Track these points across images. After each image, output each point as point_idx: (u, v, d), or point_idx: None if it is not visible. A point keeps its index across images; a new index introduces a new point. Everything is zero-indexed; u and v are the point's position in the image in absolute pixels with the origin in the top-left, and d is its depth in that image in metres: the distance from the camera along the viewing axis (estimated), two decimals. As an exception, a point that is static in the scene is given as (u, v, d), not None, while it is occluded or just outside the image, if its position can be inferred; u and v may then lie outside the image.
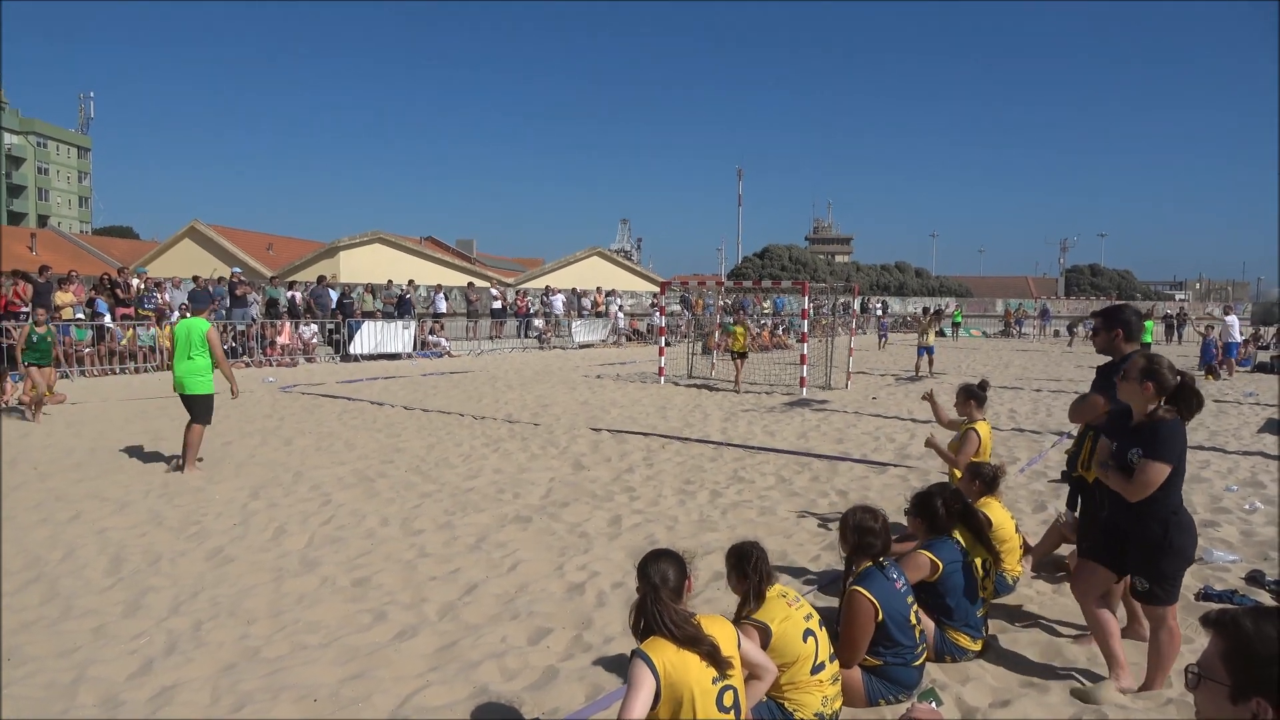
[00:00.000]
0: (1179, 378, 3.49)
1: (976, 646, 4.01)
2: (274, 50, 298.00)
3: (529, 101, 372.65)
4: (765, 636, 3.16)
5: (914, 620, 3.64)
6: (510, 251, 76.66)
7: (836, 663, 3.37)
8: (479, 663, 3.90)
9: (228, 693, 3.60)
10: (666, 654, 2.65)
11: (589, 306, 30.96)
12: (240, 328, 19.10)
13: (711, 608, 4.36)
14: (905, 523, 4.74)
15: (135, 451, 8.79)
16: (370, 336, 21.55)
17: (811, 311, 16.57)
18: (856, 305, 39.27)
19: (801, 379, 14.98)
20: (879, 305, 45.53)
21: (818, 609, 3.44)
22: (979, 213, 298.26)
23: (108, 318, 17.35)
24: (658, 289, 26.10)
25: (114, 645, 4.06)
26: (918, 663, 3.61)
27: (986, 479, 5.08)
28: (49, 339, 11.78)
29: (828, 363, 16.52)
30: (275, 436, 9.81)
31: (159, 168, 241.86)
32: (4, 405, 11.55)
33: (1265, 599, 4.79)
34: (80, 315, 16.98)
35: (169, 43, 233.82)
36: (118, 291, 18.43)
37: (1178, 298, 78.20)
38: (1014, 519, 5.12)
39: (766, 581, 3.29)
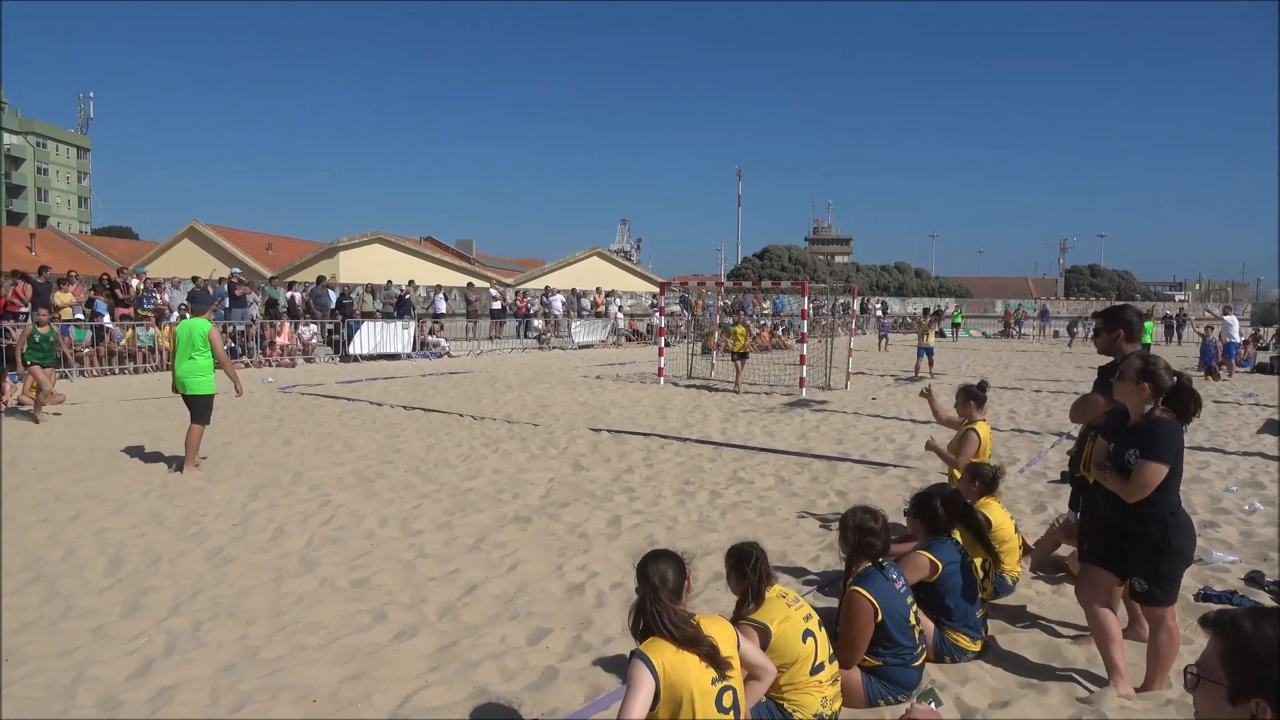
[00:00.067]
0: (1175, 378, 3.49)
1: (976, 647, 4.01)
2: (274, 50, 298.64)
3: (529, 101, 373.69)
4: (765, 637, 3.16)
5: (913, 621, 3.64)
6: (510, 252, 76.75)
7: (836, 663, 3.37)
8: (478, 663, 3.90)
9: (227, 693, 3.60)
10: (666, 655, 2.65)
11: (588, 307, 30.96)
12: (239, 328, 19.10)
13: (711, 608, 4.35)
14: (905, 523, 4.75)
15: (134, 452, 8.79)
16: (369, 337, 21.55)
17: (811, 312, 16.57)
18: (856, 306, 39.27)
19: (801, 379, 14.98)
20: (879, 306, 45.56)
21: (817, 610, 3.44)
22: (979, 213, 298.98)
23: (107, 318, 17.35)
24: (657, 289, 26.11)
25: (113, 645, 4.06)
26: (917, 663, 3.61)
27: (986, 480, 5.08)
28: (52, 339, 11.86)
29: (827, 363, 16.52)
30: (274, 437, 9.81)
31: (158, 168, 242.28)
32: (4, 405, 11.55)
33: (1264, 600, 4.79)
34: (79, 315, 16.98)
35: (169, 43, 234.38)
36: (117, 292, 18.43)
37: (1177, 298, 78.25)
38: (1013, 520, 5.12)
39: (766, 582, 3.29)
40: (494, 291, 28.74)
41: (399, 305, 23.66)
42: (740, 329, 16.04)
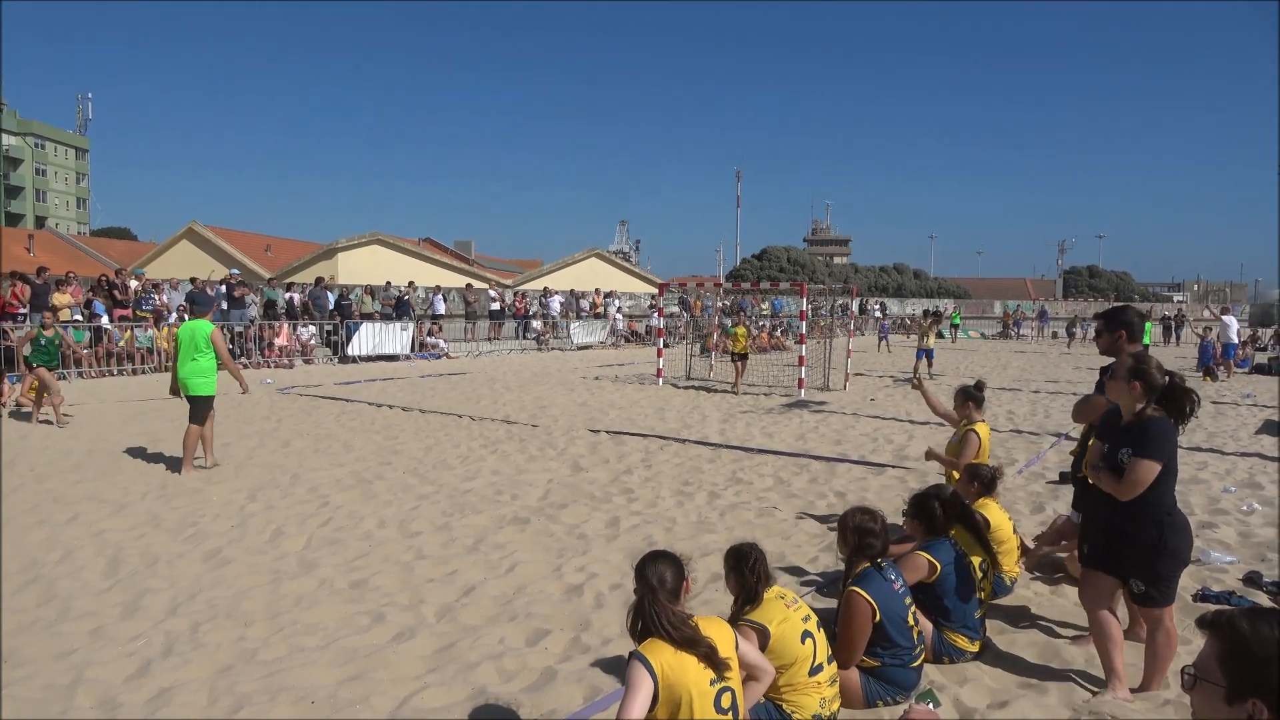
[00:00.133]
0: (1167, 377, 3.49)
1: (974, 648, 4.02)
2: (273, 51, 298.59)
3: (529, 102, 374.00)
4: (763, 638, 3.16)
5: (912, 621, 3.65)
6: (508, 253, 76.80)
7: (834, 664, 3.37)
8: (477, 664, 3.91)
9: (225, 694, 3.59)
10: (664, 656, 2.65)
11: (587, 308, 30.96)
12: (238, 329, 19.09)
13: (710, 609, 4.36)
14: (903, 524, 4.75)
15: (133, 453, 8.79)
16: (368, 338, 21.53)
17: (809, 313, 16.57)
18: (855, 307, 39.27)
19: (800, 380, 14.99)
20: (878, 307, 45.57)
21: (816, 611, 3.44)
22: (977, 214, 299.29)
23: (105, 319, 17.33)
24: (656, 290, 26.12)
25: (112, 647, 4.06)
26: (916, 664, 3.62)
27: (984, 480, 5.09)
28: (56, 341, 11.91)
29: (826, 364, 16.52)
30: (273, 438, 9.80)
31: (157, 169, 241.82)
32: (3, 407, 11.54)
33: (1262, 600, 4.80)
34: (78, 317, 16.95)
35: (168, 43, 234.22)
36: (115, 293, 18.41)
37: (1176, 299, 78.29)
38: (1012, 520, 5.13)
39: (765, 583, 3.29)
40: (493, 292, 28.73)
41: (398, 306, 23.66)
42: (741, 330, 16.06)
